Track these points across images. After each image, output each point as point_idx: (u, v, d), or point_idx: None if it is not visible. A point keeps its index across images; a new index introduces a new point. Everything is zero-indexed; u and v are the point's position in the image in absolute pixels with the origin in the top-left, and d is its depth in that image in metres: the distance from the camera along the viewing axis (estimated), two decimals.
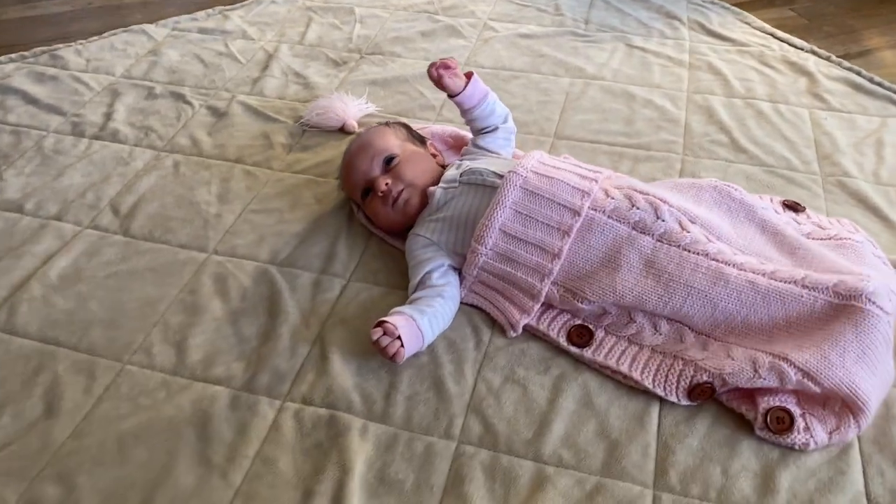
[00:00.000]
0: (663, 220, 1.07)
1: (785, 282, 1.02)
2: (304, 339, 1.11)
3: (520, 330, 1.10)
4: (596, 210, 1.10)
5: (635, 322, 1.07)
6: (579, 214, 1.09)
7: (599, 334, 1.09)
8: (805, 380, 0.94)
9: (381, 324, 1.04)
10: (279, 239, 1.28)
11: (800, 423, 0.95)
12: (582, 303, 1.08)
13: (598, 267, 1.08)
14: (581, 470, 0.94)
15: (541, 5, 2.03)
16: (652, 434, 0.98)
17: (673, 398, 1.00)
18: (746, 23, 1.93)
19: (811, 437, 0.94)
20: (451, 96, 1.30)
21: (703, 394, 0.99)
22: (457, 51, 1.83)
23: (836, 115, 1.58)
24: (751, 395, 0.99)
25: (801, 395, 0.98)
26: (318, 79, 1.73)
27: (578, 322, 1.10)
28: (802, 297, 1.00)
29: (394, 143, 1.26)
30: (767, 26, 1.89)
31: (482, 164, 1.21)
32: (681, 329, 1.06)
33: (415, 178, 1.22)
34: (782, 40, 1.84)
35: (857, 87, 1.66)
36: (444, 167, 1.30)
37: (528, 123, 1.56)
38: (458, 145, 1.44)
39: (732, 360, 0.99)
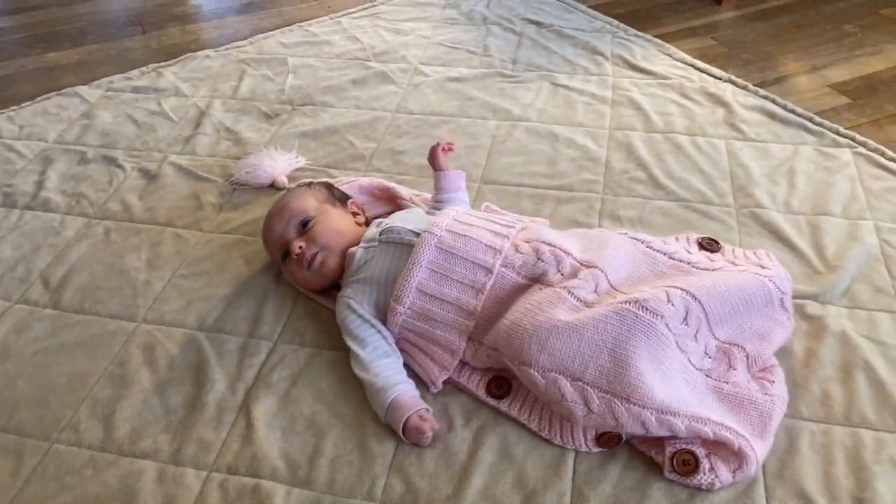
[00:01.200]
0: (562, 273, 1.11)
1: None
2: (230, 407, 1.13)
3: (440, 386, 1.13)
4: (506, 267, 1.13)
5: None
6: (491, 272, 1.13)
7: (516, 385, 1.12)
8: (694, 424, 0.99)
9: (424, 415, 1.07)
10: (207, 303, 1.31)
11: (704, 464, 0.99)
12: (499, 353, 1.12)
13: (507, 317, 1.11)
14: None
15: (470, 47, 2.08)
16: (567, 482, 1.01)
17: (584, 448, 1.04)
18: (668, 54, 1.99)
19: (716, 477, 0.98)
20: (435, 169, 1.40)
21: (612, 441, 1.03)
22: (387, 97, 1.87)
23: (750, 144, 1.63)
24: (658, 438, 1.03)
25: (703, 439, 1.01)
26: (250, 134, 1.76)
27: (496, 374, 1.13)
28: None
29: (311, 204, 1.29)
30: (688, 57, 1.95)
31: (400, 222, 1.25)
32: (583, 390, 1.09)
33: (329, 241, 1.25)
34: (702, 70, 1.90)
35: (772, 116, 1.72)
36: (368, 224, 1.33)
37: (455, 166, 1.60)
38: (386, 197, 1.48)
39: (619, 413, 1.01)
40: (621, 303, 1.04)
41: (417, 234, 1.19)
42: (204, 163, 1.67)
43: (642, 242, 1.20)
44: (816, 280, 1.29)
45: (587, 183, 1.54)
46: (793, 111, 1.72)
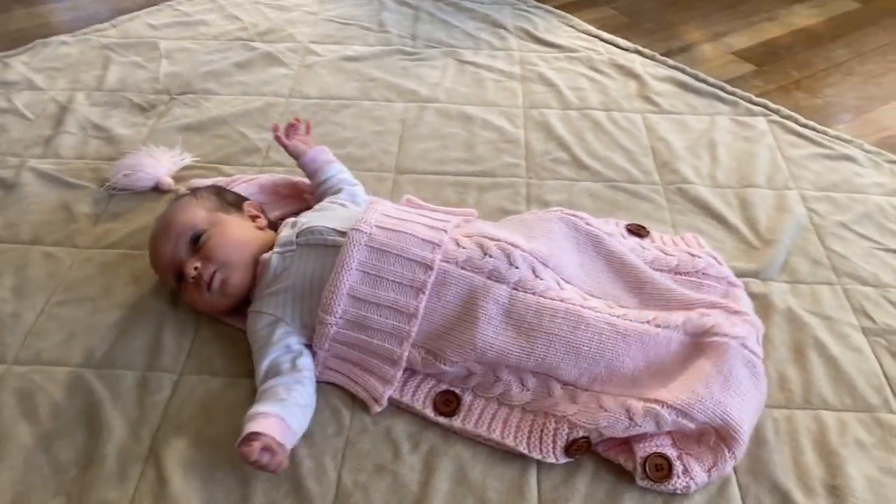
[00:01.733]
0: (517, 268, 1.01)
1: (640, 322, 1.00)
2: (135, 457, 0.96)
3: (384, 403, 1.00)
4: (448, 262, 1.02)
5: (501, 380, 1.01)
6: (431, 268, 1.01)
7: (467, 399, 1.01)
8: (679, 418, 0.91)
9: (252, 437, 0.90)
10: (93, 334, 1.11)
11: (678, 467, 0.92)
12: (445, 364, 1.00)
13: (456, 322, 1.00)
14: None
15: (364, 23, 1.93)
16: (533, 502, 0.92)
17: (551, 458, 0.95)
18: (571, 26, 1.91)
19: (691, 479, 0.92)
20: (295, 157, 1.27)
21: (580, 449, 0.94)
22: (278, 81, 1.69)
23: (667, 117, 1.59)
24: (626, 442, 0.95)
25: (676, 436, 0.95)
26: (123, 130, 1.54)
27: (444, 387, 1.02)
28: (659, 335, 0.99)
29: (199, 216, 1.11)
30: (592, 28, 1.89)
31: (319, 220, 1.10)
32: (547, 381, 1.00)
33: (229, 255, 1.08)
34: (608, 42, 1.84)
35: (684, 86, 1.68)
36: (274, 227, 1.17)
37: (366, 158, 1.46)
38: (292, 195, 1.32)
39: (606, 411, 0.94)
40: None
41: (342, 234, 1.05)
42: (72, 167, 1.44)
43: (581, 220, 1.12)
44: (754, 256, 1.25)
45: (509, 167, 1.44)
46: (704, 81, 1.69)
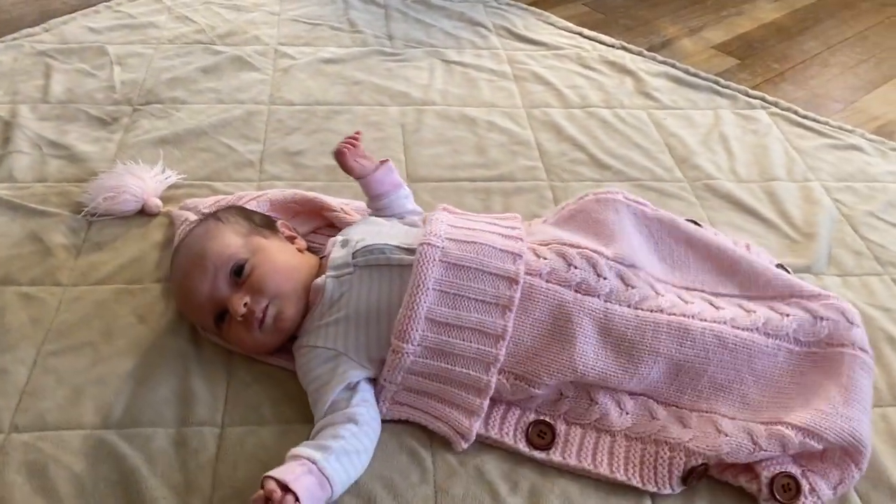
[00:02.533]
0: (605, 278, 0.93)
1: (748, 330, 0.93)
2: None
3: (472, 437, 0.89)
4: (532, 274, 0.92)
5: (597, 403, 0.91)
6: (517, 282, 0.90)
7: (561, 428, 0.91)
8: (807, 439, 0.85)
9: (263, 483, 0.77)
10: (104, 388, 0.94)
11: (805, 486, 0.86)
12: (538, 388, 0.90)
13: (548, 342, 0.90)
14: None
15: (333, 23, 1.79)
16: None
17: (667, 490, 0.86)
18: (550, 23, 1.85)
19: (818, 498, 0.85)
20: (356, 177, 1.11)
21: (697, 476, 0.87)
22: (254, 87, 1.53)
23: (671, 113, 1.55)
24: (747, 464, 0.88)
25: (798, 454, 0.88)
26: (86, 147, 1.34)
27: (533, 417, 0.92)
28: (767, 346, 0.93)
29: (236, 243, 0.96)
30: (572, 25, 1.83)
31: (376, 237, 0.97)
32: (647, 403, 0.92)
33: (280, 285, 0.94)
34: (592, 39, 1.79)
35: (679, 81, 1.65)
36: (313, 251, 1.04)
37: None
38: (307, 211, 1.17)
39: (726, 435, 0.87)
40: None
41: (408, 251, 0.93)
42: (33, 191, 1.23)
43: (647, 206, 1.06)
44: (799, 250, 1.22)
45: (528, 170, 1.36)
46: (696, 75, 1.66)
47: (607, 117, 1.51)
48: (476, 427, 0.89)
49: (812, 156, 1.44)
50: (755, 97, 1.60)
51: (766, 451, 0.85)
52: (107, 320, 1.03)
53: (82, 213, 1.18)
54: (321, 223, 1.17)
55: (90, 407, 0.92)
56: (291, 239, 1.03)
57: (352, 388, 0.89)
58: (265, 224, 1.02)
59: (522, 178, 1.34)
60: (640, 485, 0.86)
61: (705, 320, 0.92)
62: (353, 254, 0.95)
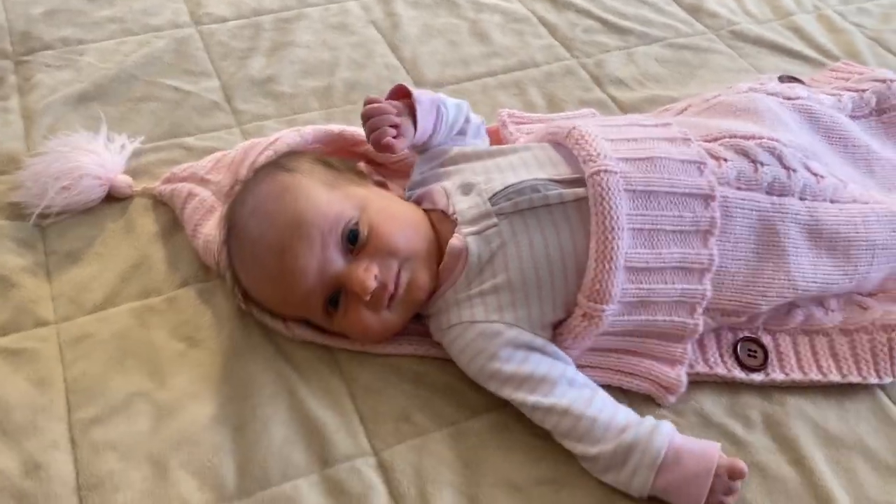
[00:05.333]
0: (795, 170, 0.77)
1: None
2: None
3: (683, 388, 0.73)
4: (721, 184, 0.74)
5: (798, 307, 0.78)
6: (713, 198, 0.72)
7: (767, 340, 0.77)
8: None
9: None
10: (195, 450, 0.67)
11: None
12: (747, 318, 0.76)
13: (757, 264, 0.74)
14: None
15: None
16: None
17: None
18: None
19: None
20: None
21: None
22: (164, 7, 1.17)
23: None
24: None
25: None
26: None
27: (733, 337, 0.77)
28: None
29: (335, 197, 0.71)
30: None
31: (510, 171, 0.75)
32: (851, 297, 0.80)
33: (411, 242, 0.71)
34: None
35: None
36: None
37: (370, 81, 1.07)
38: (335, 152, 0.90)
39: None
40: None
41: (566, 183, 0.72)
42: None
43: (780, 93, 0.89)
44: None
45: (546, 51, 1.15)
46: None
47: None
48: (685, 376, 0.73)
49: None
50: None
51: None
52: (145, 356, 0.74)
53: (33, 219, 0.84)
54: (358, 159, 0.91)
55: (189, 482, 0.65)
56: (383, 185, 0.78)
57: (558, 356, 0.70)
58: (347, 168, 0.77)
59: (546, 62, 1.13)
60: (877, 380, 0.75)
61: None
62: (492, 199, 0.72)
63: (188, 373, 0.73)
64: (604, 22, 1.21)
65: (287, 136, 0.89)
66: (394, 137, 0.73)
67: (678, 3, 1.27)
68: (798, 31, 1.22)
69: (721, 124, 0.81)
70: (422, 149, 0.82)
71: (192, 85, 1.04)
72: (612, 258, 0.68)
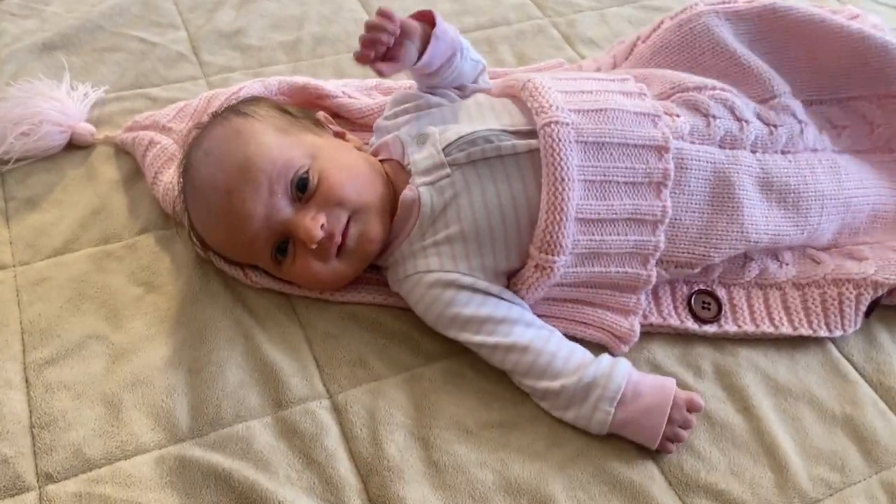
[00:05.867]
0: (747, 121, 0.77)
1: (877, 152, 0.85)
2: None
3: (636, 337, 0.74)
4: (676, 138, 0.74)
5: (752, 259, 0.79)
6: (667, 149, 0.73)
7: (722, 293, 0.78)
8: None
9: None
10: (149, 391, 0.68)
11: None
12: (699, 269, 0.76)
13: (711, 216, 0.75)
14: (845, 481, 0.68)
15: None
16: (860, 382, 0.74)
17: (851, 326, 0.77)
18: None
19: None
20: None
21: (873, 305, 0.78)
22: None
23: None
24: None
25: None
26: None
27: (687, 290, 0.78)
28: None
29: (287, 144, 0.70)
30: None
31: (466, 122, 0.75)
32: (804, 251, 0.81)
33: (362, 193, 0.71)
34: None
35: None
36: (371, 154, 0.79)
37: (339, 37, 1.07)
38: (300, 104, 0.90)
39: None
40: None
41: (521, 134, 0.73)
42: None
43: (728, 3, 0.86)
44: None
45: (519, 9, 1.14)
46: None
47: None
48: (637, 326, 0.74)
49: None
50: None
51: None
52: (101, 299, 0.74)
53: None
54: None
55: (142, 422, 0.66)
56: (342, 135, 0.78)
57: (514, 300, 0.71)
58: (305, 115, 0.76)
59: (517, 20, 1.13)
60: (827, 333, 0.76)
61: (842, 152, 0.81)
62: (446, 148, 0.72)
63: (145, 317, 0.73)
64: None
65: (251, 86, 0.89)
66: (384, 58, 0.71)
67: None
68: None
69: (673, 77, 0.80)
70: (423, 81, 0.79)
71: (158, 36, 1.03)
72: (562, 209, 0.69)
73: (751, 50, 0.83)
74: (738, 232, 0.75)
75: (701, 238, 0.75)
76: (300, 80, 0.91)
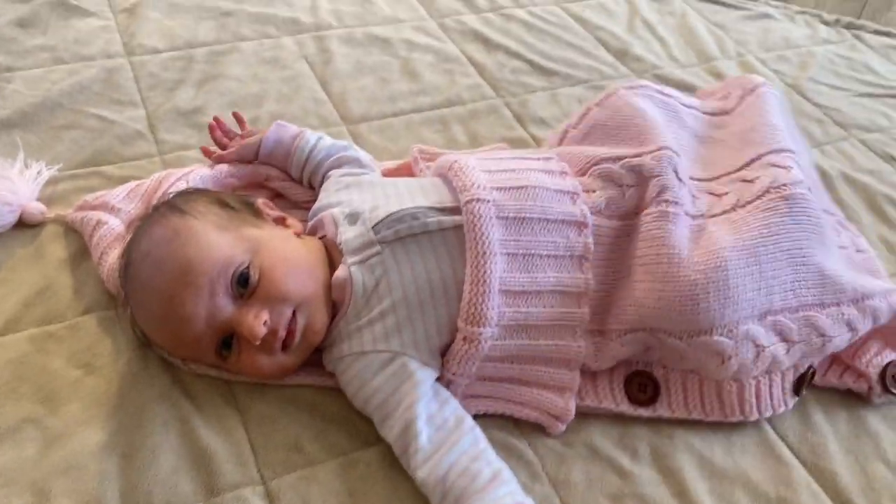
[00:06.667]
0: (663, 187, 0.79)
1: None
2: None
3: (572, 415, 0.74)
4: (594, 212, 0.77)
5: None
6: (585, 225, 0.75)
7: (660, 373, 0.79)
8: (892, 298, 0.80)
9: None
10: (80, 476, 0.67)
11: None
12: (613, 338, 0.77)
13: (629, 284, 0.76)
14: None
15: None
16: (794, 464, 0.75)
17: (782, 408, 0.78)
18: None
19: None
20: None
21: (804, 382, 0.79)
22: (96, 36, 1.19)
23: (585, 4, 1.43)
24: (839, 363, 0.83)
25: (885, 333, 0.83)
26: None
27: (626, 370, 0.79)
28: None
29: (225, 241, 0.71)
30: None
31: (394, 200, 0.77)
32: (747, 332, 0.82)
33: (304, 286, 0.72)
34: None
35: None
36: (309, 233, 0.81)
37: (297, 115, 1.09)
38: (248, 186, 0.92)
39: (818, 328, 0.78)
40: (761, 197, 0.79)
41: (447, 211, 0.75)
42: None
43: (654, 88, 0.93)
44: None
45: (473, 90, 1.18)
46: None
47: (525, 18, 1.36)
48: (573, 404, 0.75)
49: (734, 30, 1.40)
50: None
51: (861, 329, 0.79)
52: (39, 382, 0.74)
53: None
54: (270, 196, 0.92)
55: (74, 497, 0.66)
56: (282, 221, 0.79)
57: (443, 396, 0.71)
58: (244, 206, 0.78)
59: (472, 100, 1.16)
60: (758, 416, 0.77)
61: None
62: (375, 227, 0.74)
63: (82, 400, 0.73)
64: (531, 63, 1.25)
65: (201, 168, 0.91)
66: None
67: (606, 48, 1.32)
68: (719, 77, 1.27)
69: (590, 152, 0.83)
70: (293, 167, 0.90)
71: (117, 114, 1.05)
72: (485, 281, 0.70)
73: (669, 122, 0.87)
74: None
75: (625, 307, 0.76)
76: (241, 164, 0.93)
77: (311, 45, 1.23)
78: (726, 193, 0.82)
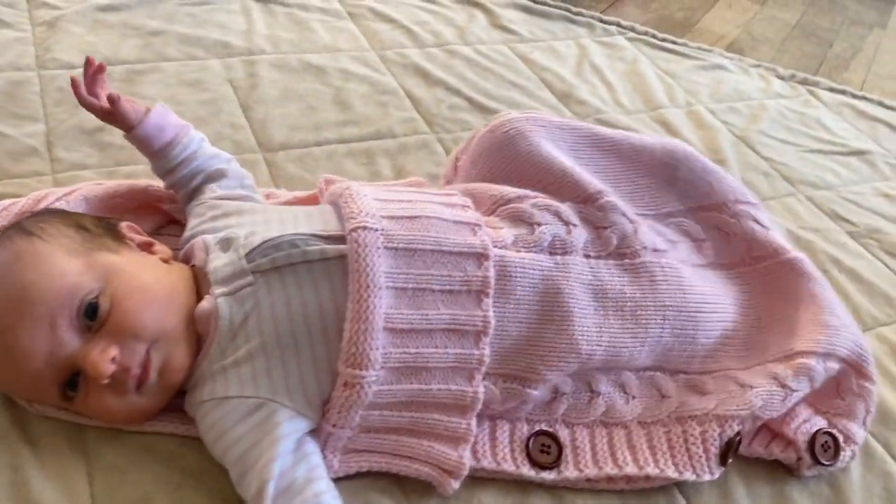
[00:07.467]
0: (574, 225, 0.74)
1: (717, 268, 0.82)
2: None
3: (465, 472, 0.66)
4: (498, 246, 0.70)
5: (599, 394, 0.73)
6: (486, 257, 0.68)
7: (564, 433, 0.71)
8: (829, 363, 0.74)
9: None
10: None
11: (840, 438, 0.75)
12: (535, 387, 0.70)
13: (539, 327, 0.69)
14: None
15: None
16: None
17: (707, 474, 0.70)
18: None
19: (854, 444, 0.75)
20: (129, 127, 0.79)
21: (734, 451, 0.72)
22: (9, 48, 1.12)
23: (533, 45, 1.39)
24: (768, 430, 0.76)
25: (814, 401, 0.77)
26: None
27: (528, 430, 0.71)
28: (750, 272, 0.83)
29: (73, 267, 0.63)
30: None
31: (272, 226, 0.69)
32: (652, 379, 0.75)
33: (161, 319, 0.63)
34: None
35: (529, 11, 1.49)
36: (182, 260, 0.73)
37: (211, 139, 1.00)
38: (138, 207, 0.84)
39: (752, 388, 0.72)
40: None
41: (332, 239, 0.67)
42: None
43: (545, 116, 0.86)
44: None
45: (406, 123, 1.12)
46: (544, 3, 1.51)
47: (471, 55, 1.31)
48: (467, 457, 0.66)
49: (685, 79, 1.37)
50: (610, 23, 1.49)
51: (796, 392, 0.72)
52: None
53: None
54: (162, 221, 0.86)
55: None
56: (147, 246, 0.71)
57: (297, 450, 0.62)
58: (105, 230, 0.69)
59: (403, 134, 1.10)
60: (676, 475, 0.69)
61: (683, 264, 0.78)
62: (249, 254, 0.67)
63: None
64: (471, 101, 1.19)
65: (86, 187, 0.83)
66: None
67: (550, 89, 1.27)
68: (666, 125, 1.23)
69: (493, 191, 0.77)
70: (164, 164, 0.80)
71: (14, 129, 0.98)
72: (368, 318, 0.62)
73: (569, 156, 0.81)
74: (567, 343, 0.69)
75: (528, 349, 0.69)
76: (142, 182, 0.85)
77: (239, 68, 1.17)
78: None
